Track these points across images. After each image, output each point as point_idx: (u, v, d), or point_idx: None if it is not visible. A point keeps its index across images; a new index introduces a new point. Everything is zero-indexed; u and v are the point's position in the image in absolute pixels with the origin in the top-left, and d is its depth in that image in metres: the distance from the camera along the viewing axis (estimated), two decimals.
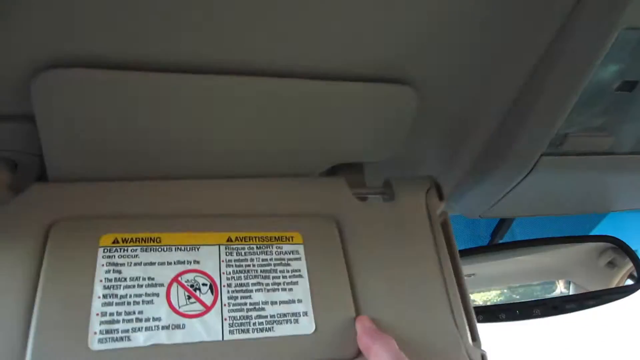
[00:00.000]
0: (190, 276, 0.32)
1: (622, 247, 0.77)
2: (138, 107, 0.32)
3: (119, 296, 0.30)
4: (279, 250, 0.35)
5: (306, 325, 0.32)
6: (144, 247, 0.32)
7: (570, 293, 1.00)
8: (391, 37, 0.31)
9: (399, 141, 0.39)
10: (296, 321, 0.32)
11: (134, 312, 0.30)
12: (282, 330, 0.32)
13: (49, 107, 0.30)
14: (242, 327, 0.31)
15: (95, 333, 0.28)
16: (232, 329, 0.31)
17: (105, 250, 0.32)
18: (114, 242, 0.32)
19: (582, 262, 0.96)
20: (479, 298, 0.98)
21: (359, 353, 0.32)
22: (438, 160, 0.47)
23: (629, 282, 0.88)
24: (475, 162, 0.46)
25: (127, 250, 0.32)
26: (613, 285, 0.87)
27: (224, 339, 0.30)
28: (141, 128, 0.33)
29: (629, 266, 0.87)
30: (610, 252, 0.91)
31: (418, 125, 0.39)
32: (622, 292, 0.73)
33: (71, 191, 0.34)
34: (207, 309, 0.31)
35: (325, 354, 0.32)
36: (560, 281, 1.20)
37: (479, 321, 0.38)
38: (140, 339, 0.29)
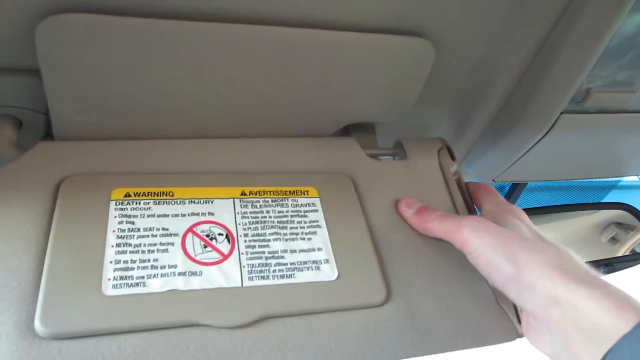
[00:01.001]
0: (205, 227, 0.31)
1: (636, 215, 0.76)
2: (147, 57, 0.30)
3: (132, 245, 0.29)
4: (294, 202, 0.34)
5: (328, 273, 0.32)
6: (157, 200, 0.32)
7: None
8: None
9: (412, 98, 0.39)
10: (317, 268, 0.32)
11: (149, 260, 0.29)
12: (304, 277, 0.31)
13: (54, 55, 0.29)
14: (262, 274, 0.30)
15: (109, 279, 0.28)
16: (251, 275, 0.30)
17: (117, 203, 0.31)
18: (125, 196, 0.31)
19: (584, 238, 0.96)
20: None
21: (387, 299, 0.32)
22: (452, 121, 0.47)
23: None
24: (491, 122, 0.45)
25: (139, 203, 0.31)
26: None
27: (243, 285, 0.30)
28: (150, 80, 0.32)
29: (632, 241, 0.87)
30: (613, 227, 0.90)
31: (433, 82, 0.38)
32: (635, 259, 0.73)
33: (80, 149, 0.33)
34: (225, 257, 0.31)
35: (351, 300, 0.31)
36: None
37: None
38: (156, 285, 0.28)
